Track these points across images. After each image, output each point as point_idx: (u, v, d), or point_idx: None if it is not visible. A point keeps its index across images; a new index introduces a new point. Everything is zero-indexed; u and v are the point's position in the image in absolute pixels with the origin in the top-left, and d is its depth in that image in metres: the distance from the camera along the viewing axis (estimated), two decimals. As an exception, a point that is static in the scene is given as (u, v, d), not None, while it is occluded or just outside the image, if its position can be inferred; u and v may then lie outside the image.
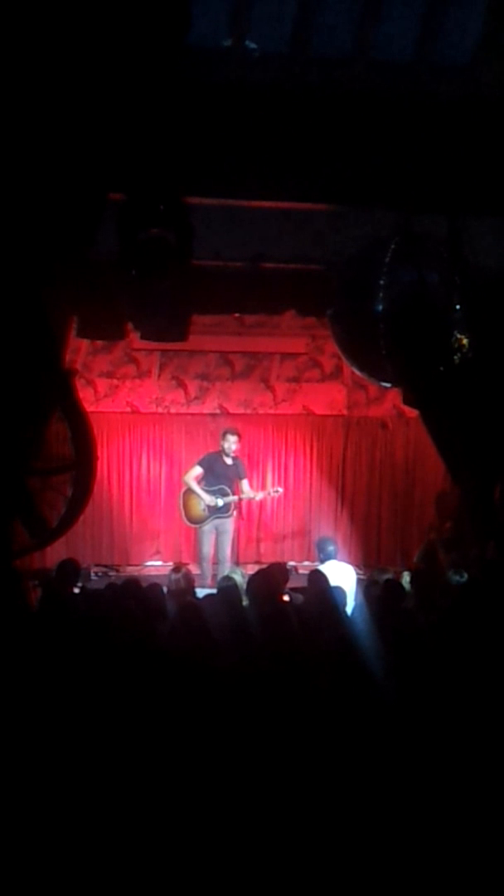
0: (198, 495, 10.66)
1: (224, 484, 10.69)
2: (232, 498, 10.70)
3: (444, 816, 4.06)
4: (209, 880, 3.83)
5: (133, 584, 7.11)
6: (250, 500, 11.24)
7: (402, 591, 7.13)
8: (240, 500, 10.85)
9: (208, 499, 10.61)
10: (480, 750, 4.43)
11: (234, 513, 10.88)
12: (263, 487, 11.57)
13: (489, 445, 8.74)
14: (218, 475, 10.71)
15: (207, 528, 10.73)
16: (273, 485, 11.80)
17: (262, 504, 11.85)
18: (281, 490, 11.56)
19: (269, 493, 11.36)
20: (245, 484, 10.86)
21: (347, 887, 3.85)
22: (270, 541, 12.13)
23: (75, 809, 4.05)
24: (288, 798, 4.10)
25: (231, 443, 10.64)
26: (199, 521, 10.73)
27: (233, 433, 10.73)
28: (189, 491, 10.76)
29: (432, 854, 3.91)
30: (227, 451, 10.67)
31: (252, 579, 7.33)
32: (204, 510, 10.67)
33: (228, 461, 10.73)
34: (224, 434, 10.77)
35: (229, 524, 10.84)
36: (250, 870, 3.85)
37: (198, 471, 10.76)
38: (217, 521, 10.73)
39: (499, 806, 4.14)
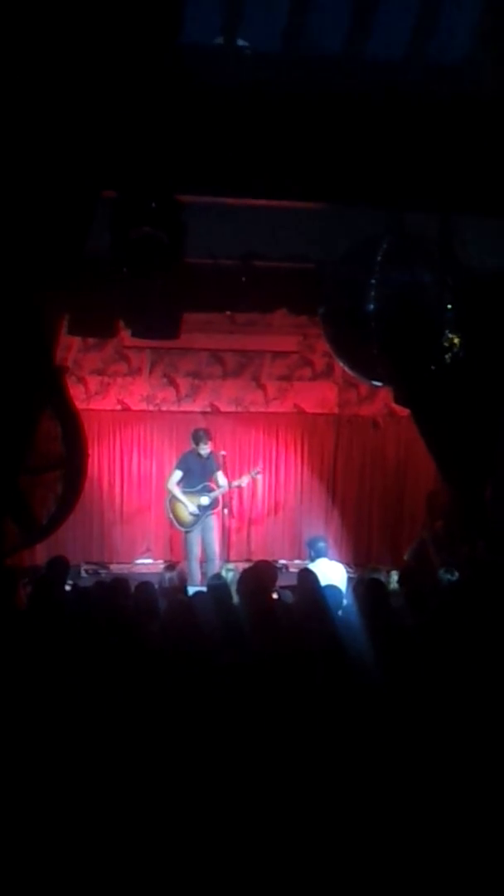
0: (182, 503, 10.70)
1: (205, 481, 10.74)
2: (217, 492, 10.73)
3: (435, 813, 4.07)
4: (205, 878, 3.83)
5: (123, 583, 7.10)
6: (239, 489, 11.25)
7: (384, 589, 7.11)
8: (226, 490, 10.83)
9: (193, 501, 10.66)
10: (470, 747, 4.44)
11: (224, 509, 10.88)
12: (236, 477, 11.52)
13: (480, 444, 8.77)
14: (197, 474, 10.77)
15: (195, 529, 10.77)
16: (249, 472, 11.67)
17: (252, 501, 11.87)
18: (259, 469, 11.54)
19: (251, 476, 11.34)
20: (220, 476, 10.86)
21: (340, 884, 3.86)
22: (261, 539, 12.12)
23: (67, 807, 4.05)
24: (279, 795, 4.11)
25: (205, 449, 10.74)
26: (189, 525, 10.77)
27: (205, 441, 10.74)
28: (174, 497, 10.80)
29: (421, 849, 3.92)
30: (202, 454, 10.72)
31: (241, 577, 7.34)
32: (191, 514, 10.70)
33: (203, 457, 10.76)
34: (196, 441, 10.79)
35: (213, 521, 10.87)
36: (245, 867, 3.86)
37: (178, 475, 10.82)
38: (203, 520, 10.77)
39: (489, 802, 4.15)
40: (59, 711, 4.60)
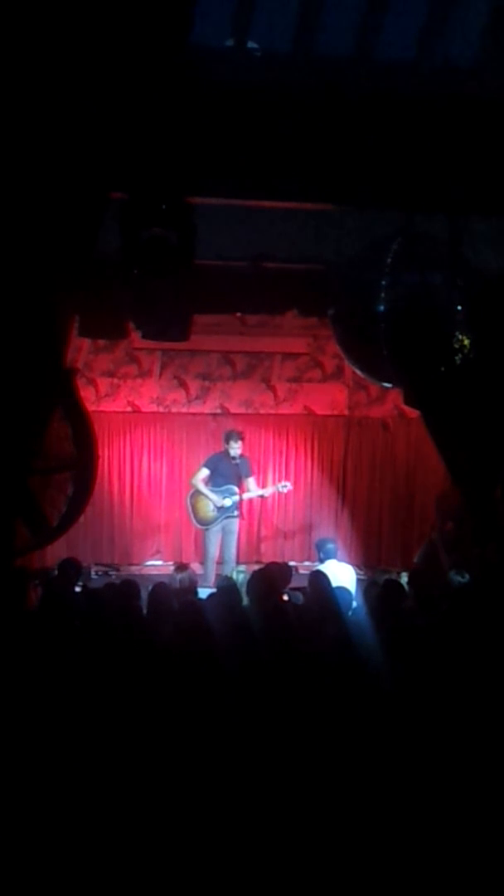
0: (206, 497, 10.67)
1: (231, 483, 10.70)
2: (238, 497, 10.70)
3: (442, 814, 4.07)
4: (211, 877, 3.83)
5: (133, 585, 7.10)
6: (259, 498, 11.23)
7: (401, 591, 7.13)
8: (243, 499, 10.82)
9: (217, 500, 10.62)
10: (478, 749, 4.43)
11: (239, 512, 10.88)
12: (266, 485, 11.52)
13: (490, 446, 8.75)
14: (224, 475, 10.72)
15: (215, 528, 10.75)
16: (275, 484, 11.71)
17: (262, 504, 11.83)
18: (289, 485, 11.45)
19: (276, 489, 11.33)
20: (251, 482, 10.87)
21: (347, 884, 3.85)
22: (271, 540, 12.10)
23: (76, 808, 4.05)
24: (288, 796, 4.11)
25: (235, 449, 10.67)
26: (208, 523, 10.74)
27: (236, 439, 10.71)
28: (197, 493, 10.76)
29: (429, 849, 3.92)
30: (231, 454, 10.69)
31: (252, 579, 7.33)
32: (213, 511, 10.68)
33: (234, 460, 10.73)
34: (227, 440, 10.78)
35: (235, 524, 10.87)
36: (255, 867, 3.86)
37: (205, 473, 10.77)
38: (225, 522, 10.75)
39: (496, 804, 4.15)
40: (70, 712, 4.60)
